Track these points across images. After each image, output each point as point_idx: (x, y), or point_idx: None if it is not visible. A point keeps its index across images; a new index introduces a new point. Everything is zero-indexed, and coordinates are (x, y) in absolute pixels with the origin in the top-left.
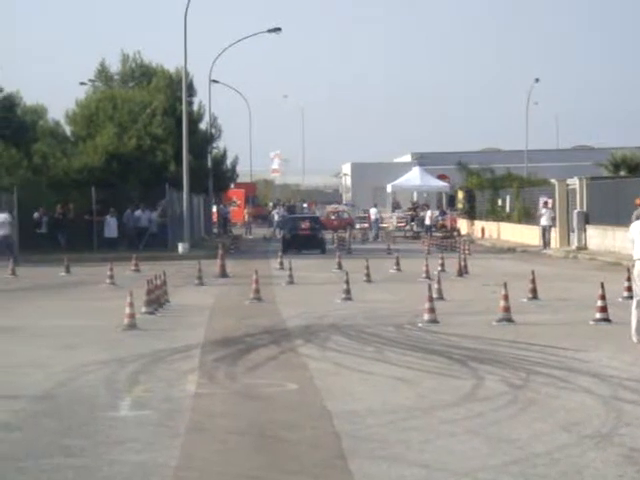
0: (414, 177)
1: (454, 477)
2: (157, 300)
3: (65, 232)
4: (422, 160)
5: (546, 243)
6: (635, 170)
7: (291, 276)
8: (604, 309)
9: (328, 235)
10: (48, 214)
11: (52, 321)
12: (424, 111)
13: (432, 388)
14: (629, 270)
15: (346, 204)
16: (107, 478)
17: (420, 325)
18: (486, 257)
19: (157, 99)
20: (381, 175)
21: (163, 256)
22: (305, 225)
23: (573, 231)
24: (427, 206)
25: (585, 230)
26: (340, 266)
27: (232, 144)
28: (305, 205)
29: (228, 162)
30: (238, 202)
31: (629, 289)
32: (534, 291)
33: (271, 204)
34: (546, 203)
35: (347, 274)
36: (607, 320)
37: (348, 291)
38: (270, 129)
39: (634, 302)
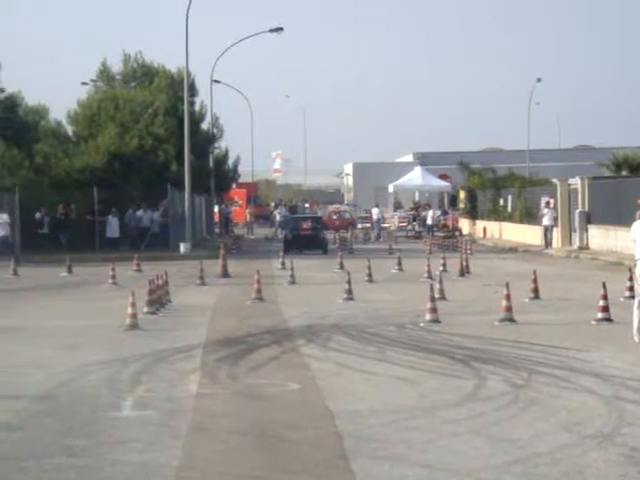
0: (416, 177)
1: (456, 477)
2: (159, 300)
3: (67, 232)
4: (424, 160)
5: (548, 243)
6: (637, 170)
7: (293, 276)
8: (606, 309)
9: (330, 235)
10: (50, 214)
11: (54, 321)
12: (426, 111)
13: (434, 388)
14: (631, 270)
15: (348, 204)
16: (109, 478)
17: (422, 325)
18: (488, 257)
19: (159, 99)
20: (383, 175)
21: (165, 256)
22: (307, 225)
23: (575, 231)
24: (429, 206)
25: (587, 230)
26: (342, 266)
27: (234, 144)
28: (307, 205)
29: (230, 162)
30: (240, 202)
31: (631, 289)
32: (536, 291)
33: (273, 204)
34: (548, 203)
35: (349, 274)
36: (609, 320)
37: (350, 291)
38: (272, 129)
39: (636, 302)
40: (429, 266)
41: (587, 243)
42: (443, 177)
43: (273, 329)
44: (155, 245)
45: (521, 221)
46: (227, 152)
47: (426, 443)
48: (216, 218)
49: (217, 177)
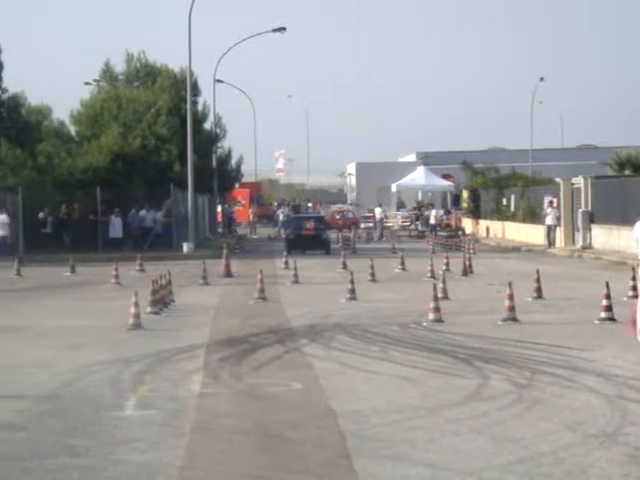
0: (419, 176)
1: (459, 476)
2: (162, 300)
3: (70, 232)
4: (427, 159)
5: (551, 242)
6: None
7: (296, 276)
8: (609, 308)
9: (333, 234)
10: (53, 214)
11: (57, 321)
12: (429, 111)
13: (437, 387)
14: (634, 269)
15: (351, 204)
16: (112, 478)
17: (425, 324)
18: (491, 256)
19: (162, 99)
20: (386, 175)
21: (168, 256)
22: (310, 225)
23: (578, 230)
24: (432, 205)
25: (590, 229)
26: (345, 266)
27: (237, 144)
28: (310, 205)
29: (233, 162)
30: (243, 202)
31: (634, 288)
32: (539, 290)
33: (276, 204)
34: (551, 202)
35: (352, 274)
36: (612, 319)
37: (353, 291)
38: (275, 129)
39: (639, 301)
40: (432, 266)
41: (590, 242)
42: (446, 177)
43: (276, 329)
44: (158, 245)
45: (524, 220)
46: (230, 152)
47: (429, 442)
48: (219, 218)
49: (220, 177)
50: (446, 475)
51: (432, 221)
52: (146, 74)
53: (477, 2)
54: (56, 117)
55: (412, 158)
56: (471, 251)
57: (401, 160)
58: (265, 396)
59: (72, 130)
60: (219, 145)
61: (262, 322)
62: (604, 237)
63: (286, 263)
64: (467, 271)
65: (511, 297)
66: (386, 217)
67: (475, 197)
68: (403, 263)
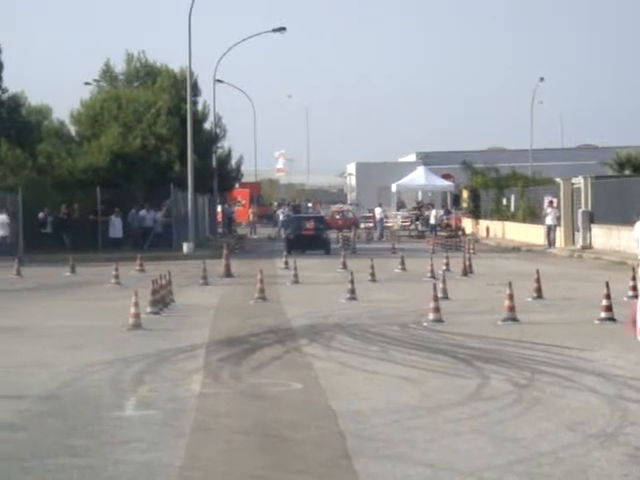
0: (419, 176)
1: (459, 476)
2: (162, 300)
3: (70, 232)
4: (427, 159)
5: (551, 242)
6: None
7: (296, 276)
8: (609, 308)
9: (333, 235)
10: (53, 214)
11: (57, 321)
12: (429, 111)
13: (437, 387)
14: (634, 269)
15: (351, 204)
16: (112, 478)
17: (425, 324)
18: (491, 256)
19: (162, 99)
20: (386, 174)
21: (168, 256)
22: (309, 225)
23: (578, 230)
24: (432, 205)
25: (590, 229)
26: (345, 266)
27: (237, 144)
28: (310, 205)
29: (233, 162)
30: (243, 202)
31: (634, 288)
32: (539, 290)
33: (276, 204)
34: (551, 202)
35: (352, 273)
36: (612, 319)
37: (353, 290)
38: (275, 129)
39: (639, 301)
40: (432, 266)
41: (590, 242)
42: (446, 177)
43: (276, 329)
44: (158, 245)
45: (524, 220)
46: (230, 152)
47: (429, 442)
48: (219, 218)
49: (220, 177)
50: (446, 475)
51: (432, 221)
52: (146, 74)
53: (477, 2)
54: (56, 117)
55: (412, 158)
56: (471, 251)
57: (401, 160)
58: (265, 396)
59: (72, 130)
60: (219, 145)
61: (262, 322)
62: (604, 237)
63: (286, 263)
64: (467, 271)
65: (511, 297)
66: (386, 217)
67: (475, 197)
68: (403, 263)
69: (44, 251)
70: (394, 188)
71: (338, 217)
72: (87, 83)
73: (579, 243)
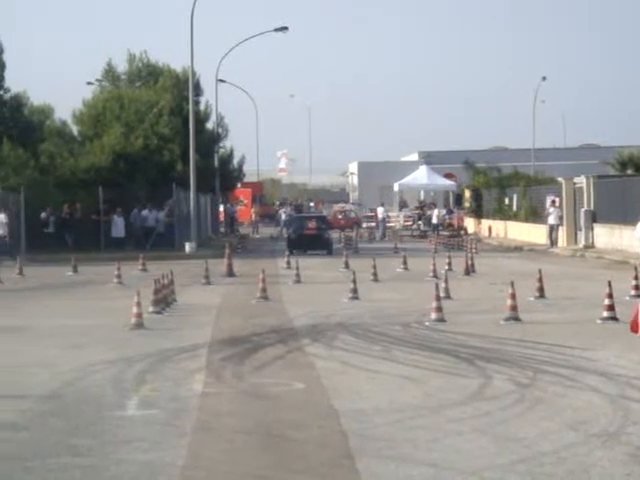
0: (421, 176)
1: (461, 476)
2: (164, 299)
3: (72, 232)
4: (429, 159)
5: (553, 242)
6: None
7: (298, 275)
8: (611, 308)
9: (335, 234)
10: (55, 214)
11: (59, 321)
12: (431, 110)
13: (439, 387)
14: (636, 268)
15: (353, 203)
16: (114, 477)
17: (427, 324)
18: (493, 256)
19: (164, 99)
20: (388, 174)
21: (170, 255)
22: (312, 224)
23: (580, 230)
24: (434, 205)
25: (592, 228)
26: (347, 265)
27: (239, 143)
28: (312, 204)
29: (235, 161)
30: (245, 201)
31: (636, 287)
32: (541, 290)
33: (278, 203)
34: (553, 202)
35: (354, 273)
36: (614, 319)
37: (355, 290)
38: (277, 128)
39: None
40: (434, 265)
41: (592, 242)
42: (448, 176)
43: (278, 328)
44: (160, 245)
45: (526, 220)
46: (232, 151)
47: (431, 442)
48: (221, 217)
49: (222, 176)
50: (448, 475)
51: (434, 220)
52: (148, 74)
53: (477, 2)
54: (58, 117)
55: (414, 157)
56: (473, 250)
57: (403, 159)
58: (267, 396)
59: (74, 130)
60: (221, 145)
61: (264, 322)
62: (606, 236)
63: (288, 263)
64: (469, 270)
65: (513, 296)
66: (388, 217)
67: (477, 196)
68: (405, 263)
69: (46, 251)
70: (396, 187)
71: (340, 217)
72: (89, 83)
73: (581, 242)
